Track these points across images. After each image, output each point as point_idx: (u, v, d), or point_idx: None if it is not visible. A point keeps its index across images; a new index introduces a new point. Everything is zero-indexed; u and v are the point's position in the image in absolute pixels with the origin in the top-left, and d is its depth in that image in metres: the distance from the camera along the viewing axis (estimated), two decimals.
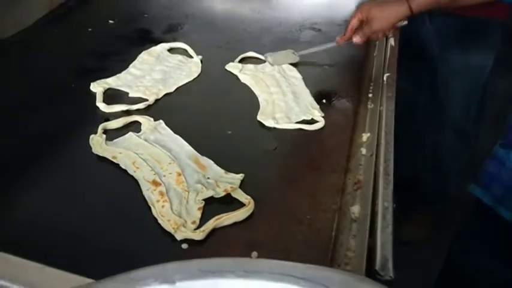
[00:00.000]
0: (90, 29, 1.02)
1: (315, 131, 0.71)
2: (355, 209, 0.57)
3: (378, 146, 0.67)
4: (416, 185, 1.39)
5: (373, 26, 0.82)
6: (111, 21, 1.06)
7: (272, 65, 0.85)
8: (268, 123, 0.71)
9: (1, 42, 0.93)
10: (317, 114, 0.73)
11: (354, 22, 0.84)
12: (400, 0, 0.80)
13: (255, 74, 0.83)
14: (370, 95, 0.81)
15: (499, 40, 1.20)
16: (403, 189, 0.89)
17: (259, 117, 0.72)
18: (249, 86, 0.80)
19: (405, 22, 0.85)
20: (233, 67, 0.84)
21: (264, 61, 0.88)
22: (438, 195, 1.39)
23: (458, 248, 0.80)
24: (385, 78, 0.84)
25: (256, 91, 0.78)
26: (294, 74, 0.86)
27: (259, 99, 0.76)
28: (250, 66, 0.87)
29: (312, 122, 0.73)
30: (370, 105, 0.78)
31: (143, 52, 0.90)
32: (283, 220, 0.55)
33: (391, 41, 0.97)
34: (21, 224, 0.54)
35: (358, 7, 0.85)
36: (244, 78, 0.81)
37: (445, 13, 1.09)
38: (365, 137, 0.70)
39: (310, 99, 0.77)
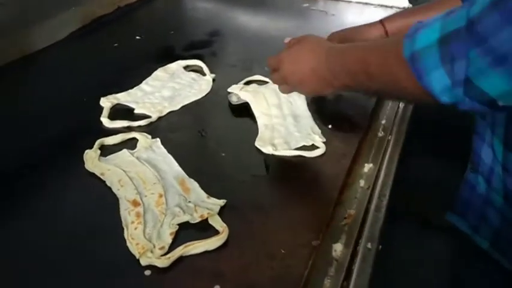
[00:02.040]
0: (116, 44, 1.05)
1: (313, 158, 0.67)
2: (338, 247, 0.53)
3: (376, 178, 0.62)
4: None
5: None
6: (138, 37, 1.09)
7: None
8: (267, 150, 0.68)
9: (31, 54, 0.99)
10: (318, 139, 0.69)
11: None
12: (373, 24, 0.76)
13: (257, 90, 0.81)
14: (383, 122, 0.76)
15: None
16: None
17: (257, 143, 0.69)
18: (249, 102, 0.78)
19: None
20: (234, 88, 0.82)
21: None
22: None
23: None
24: (401, 105, 0.79)
25: (256, 112, 0.76)
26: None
27: (258, 123, 0.74)
28: (253, 85, 0.84)
29: (313, 147, 0.69)
30: (380, 133, 0.73)
31: (159, 69, 0.91)
32: (256, 252, 0.52)
33: None
34: None
35: (328, 37, 0.79)
36: (244, 95, 0.79)
37: None
38: (367, 167, 0.65)
39: (312, 123, 0.74)
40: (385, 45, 0.55)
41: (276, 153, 0.68)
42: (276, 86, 0.72)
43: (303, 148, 0.69)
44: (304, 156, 0.67)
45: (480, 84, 0.42)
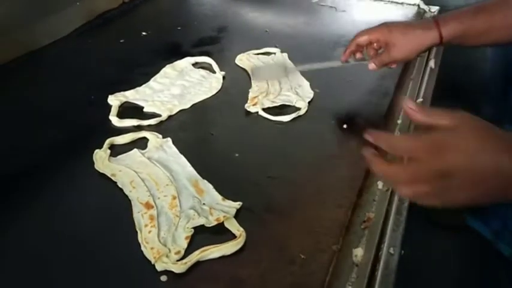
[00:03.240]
0: (122, 41, 1.03)
1: (328, 159, 0.65)
2: (358, 252, 0.51)
3: None
4: None
5: (393, 53, 0.69)
6: (144, 33, 1.07)
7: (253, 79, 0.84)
8: (251, 109, 0.75)
9: (37, 51, 0.96)
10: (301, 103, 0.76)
11: (363, 40, 0.72)
12: (428, 25, 0.68)
13: (257, 61, 0.89)
14: (399, 121, 0.75)
15: None
16: None
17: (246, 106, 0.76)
18: (247, 69, 0.86)
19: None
20: (238, 59, 0.91)
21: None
22: None
23: None
24: None
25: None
26: (302, 82, 0.84)
27: (252, 85, 0.81)
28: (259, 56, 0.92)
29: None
30: (397, 134, 0.71)
31: (167, 66, 0.89)
32: (275, 257, 0.50)
33: (431, 63, 0.90)
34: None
35: (376, 27, 0.72)
36: (242, 64, 0.87)
37: None
38: None
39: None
40: None
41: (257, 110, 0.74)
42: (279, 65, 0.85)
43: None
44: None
45: None
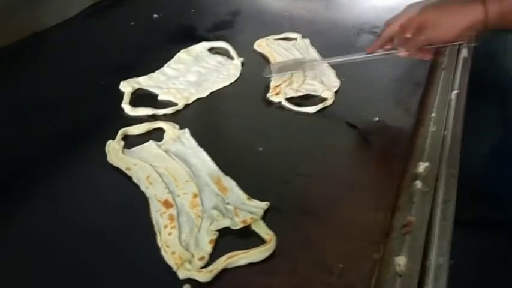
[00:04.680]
0: (132, 23, 0.97)
1: (359, 155, 0.60)
2: (401, 261, 0.46)
3: (437, 180, 0.56)
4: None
5: (431, 33, 0.63)
6: (155, 16, 1.01)
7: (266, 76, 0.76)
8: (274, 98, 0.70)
9: (41, 33, 0.91)
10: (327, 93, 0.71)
11: (394, 27, 0.67)
12: (472, 3, 0.61)
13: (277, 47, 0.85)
14: (433, 115, 0.69)
15: None
16: None
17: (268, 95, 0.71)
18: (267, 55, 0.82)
19: (474, 43, 0.69)
20: (257, 44, 0.87)
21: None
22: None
23: None
24: (453, 96, 0.71)
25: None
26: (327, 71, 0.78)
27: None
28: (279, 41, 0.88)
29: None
30: (432, 128, 0.66)
31: (182, 51, 0.83)
32: (309, 266, 0.45)
33: (464, 52, 0.84)
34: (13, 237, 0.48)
35: (404, 10, 0.67)
36: (262, 49, 0.84)
37: None
38: (422, 166, 0.58)
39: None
40: None
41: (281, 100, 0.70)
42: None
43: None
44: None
45: None
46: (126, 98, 0.70)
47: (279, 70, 0.75)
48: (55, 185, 0.55)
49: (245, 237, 0.49)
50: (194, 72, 0.77)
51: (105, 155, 0.59)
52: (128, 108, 0.68)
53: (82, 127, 0.66)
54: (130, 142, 0.62)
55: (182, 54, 0.82)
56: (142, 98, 0.72)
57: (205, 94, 0.73)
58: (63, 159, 0.59)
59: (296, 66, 0.76)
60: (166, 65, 0.79)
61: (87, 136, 0.64)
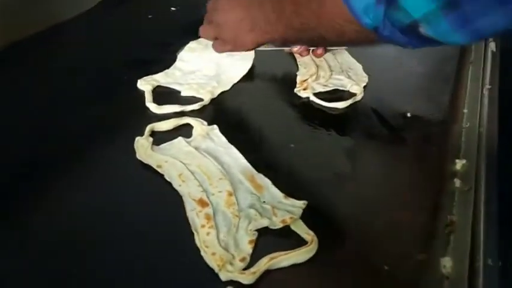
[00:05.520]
0: (150, 16, 0.95)
1: (395, 153, 0.58)
2: (447, 262, 0.45)
3: (477, 178, 0.54)
4: None
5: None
6: (173, 8, 0.99)
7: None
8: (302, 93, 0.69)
9: (57, 26, 0.89)
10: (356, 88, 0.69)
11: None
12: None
13: None
14: (465, 111, 0.68)
15: None
16: None
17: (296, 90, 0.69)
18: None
19: None
20: None
21: None
22: None
23: None
24: (485, 92, 0.70)
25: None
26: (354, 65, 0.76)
27: (299, 67, 0.75)
28: None
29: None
30: (465, 124, 0.64)
31: (191, 42, 0.81)
32: (354, 268, 0.44)
33: (492, 46, 0.82)
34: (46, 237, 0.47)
35: None
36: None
37: None
38: (459, 164, 0.57)
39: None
40: None
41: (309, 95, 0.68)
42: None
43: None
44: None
45: (404, 3, 0.41)
46: (148, 96, 0.68)
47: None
48: (85, 183, 0.54)
49: (283, 237, 0.47)
50: (210, 67, 0.75)
51: (134, 153, 0.57)
52: (153, 107, 0.66)
53: (105, 123, 0.64)
54: (158, 138, 0.60)
55: (192, 44, 0.80)
56: (163, 95, 0.70)
57: (228, 87, 0.71)
58: (89, 157, 0.58)
59: None
60: (178, 57, 0.77)
61: (112, 133, 0.62)
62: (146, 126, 0.61)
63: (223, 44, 0.67)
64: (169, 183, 0.53)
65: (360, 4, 0.45)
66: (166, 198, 0.51)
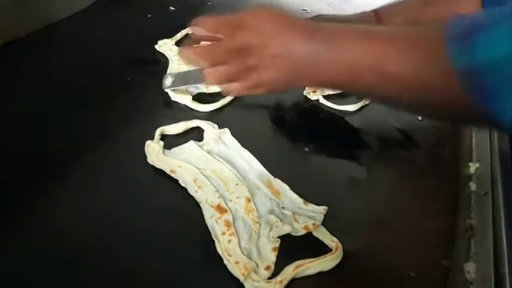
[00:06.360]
0: (149, 15, 0.93)
1: (410, 157, 0.58)
2: (471, 267, 0.45)
3: (493, 181, 0.54)
4: None
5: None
6: (172, 8, 0.97)
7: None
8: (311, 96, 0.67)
9: (53, 25, 0.86)
10: None
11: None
12: (367, 18, 0.62)
13: None
14: None
15: None
16: None
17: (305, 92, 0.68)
18: None
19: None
20: None
21: None
22: None
23: None
24: None
25: None
26: None
27: None
28: None
29: None
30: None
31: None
32: (380, 275, 0.44)
33: None
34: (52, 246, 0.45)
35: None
36: None
37: None
38: (473, 167, 0.57)
39: None
40: (416, 39, 0.39)
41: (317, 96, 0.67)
42: None
43: None
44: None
45: None
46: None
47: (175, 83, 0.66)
48: (97, 188, 0.52)
49: (305, 244, 0.46)
50: None
51: (145, 157, 0.56)
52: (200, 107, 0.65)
53: (114, 127, 0.62)
54: (168, 142, 0.59)
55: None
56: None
57: None
58: (96, 161, 0.56)
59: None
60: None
61: (120, 135, 0.60)
62: (153, 128, 0.59)
63: (255, 87, 0.50)
64: (184, 189, 0.52)
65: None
66: (182, 205, 0.50)
